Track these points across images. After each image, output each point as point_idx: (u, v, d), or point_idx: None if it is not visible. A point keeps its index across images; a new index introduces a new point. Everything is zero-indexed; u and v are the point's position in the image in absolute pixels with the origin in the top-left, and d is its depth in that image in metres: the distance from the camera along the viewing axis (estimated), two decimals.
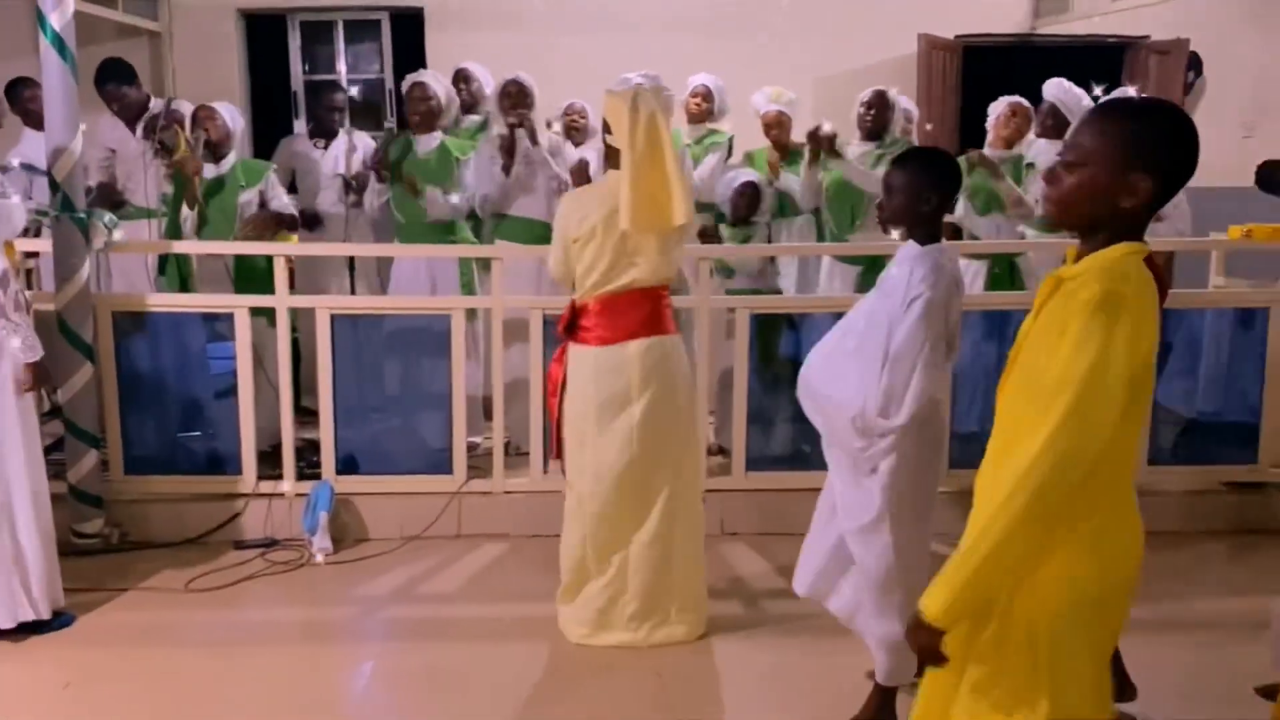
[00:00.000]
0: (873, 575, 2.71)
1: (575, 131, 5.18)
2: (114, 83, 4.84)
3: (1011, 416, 1.77)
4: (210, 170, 4.71)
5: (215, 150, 4.75)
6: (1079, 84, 4.72)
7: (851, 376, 2.67)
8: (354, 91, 7.62)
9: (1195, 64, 7.17)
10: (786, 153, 5.10)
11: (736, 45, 6.73)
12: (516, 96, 4.89)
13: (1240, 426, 4.40)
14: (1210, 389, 4.54)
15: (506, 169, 4.72)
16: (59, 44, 3.77)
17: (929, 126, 4.78)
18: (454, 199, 4.75)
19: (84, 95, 3.95)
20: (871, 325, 2.67)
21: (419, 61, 7.13)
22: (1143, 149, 1.66)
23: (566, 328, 3.24)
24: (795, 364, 4.39)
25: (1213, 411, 4.57)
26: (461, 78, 5.24)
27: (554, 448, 3.37)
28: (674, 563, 3.28)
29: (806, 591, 2.92)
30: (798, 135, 5.18)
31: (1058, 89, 4.77)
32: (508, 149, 4.71)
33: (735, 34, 6.91)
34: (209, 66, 7.12)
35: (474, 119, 5.23)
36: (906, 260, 2.67)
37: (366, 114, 7.57)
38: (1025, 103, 4.80)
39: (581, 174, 4.61)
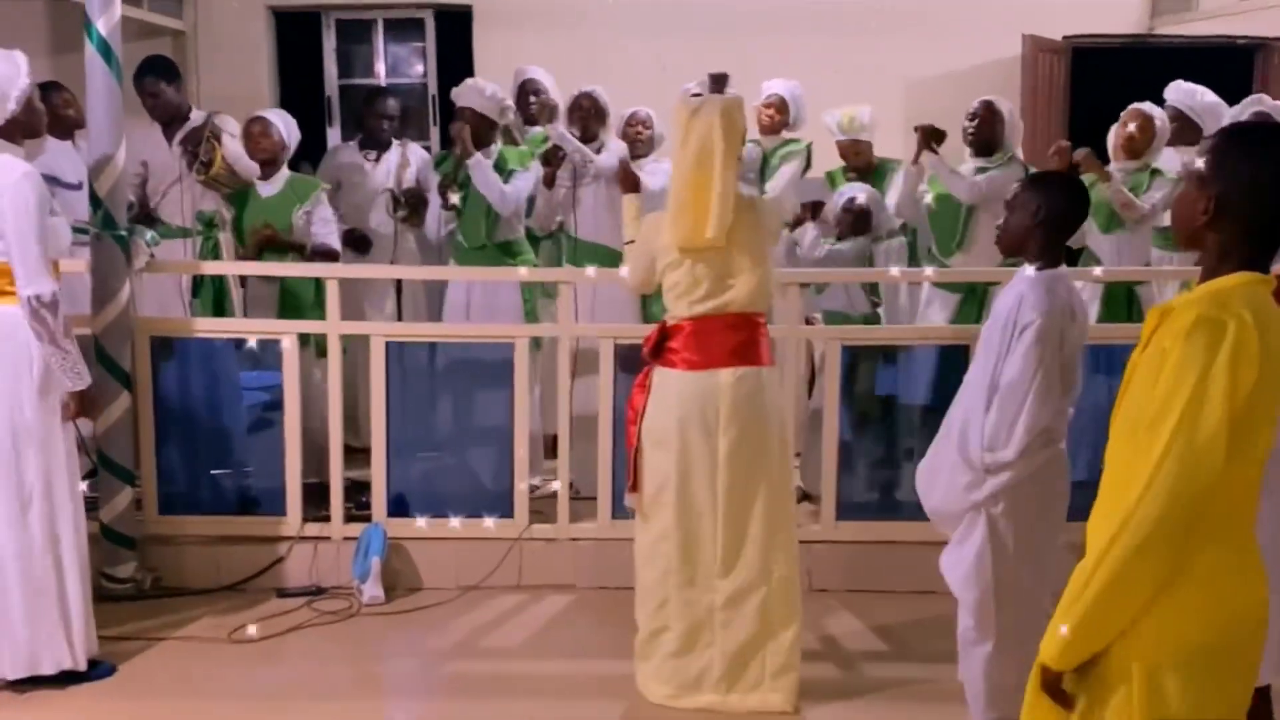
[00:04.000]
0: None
1: (639, 144, 5.13)
2: (153, 76, 4.85)
3: (1118, 457, 1.83)
4: (264, 188, 4.77)
5: (265, 167, 4.77)
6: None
7: (955, 414, 2.79)
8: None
9: None
10: (868, 177, 5.15)
11: (816, 44, 6.79)
12: (588, 111, 4.93)
13: None
14: None
15: (549, 180, 4.81)
16: (104, 49, 3.88)
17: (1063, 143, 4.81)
18: (505, 187, 4.69)
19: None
20: (981, 355, 2.81)
21: (465, 64, 7.26)
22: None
23: (654, 350, 3.33)
24: (890, 401, 4.55)
25: None
26: (531, 90, 5.29)
27: (630, 480, 3.41)
28: (769, 618, 3.30)
29: None
30: (882, 149, 5.24)
31: (1181, 93, 4.90)
32: (548, 158, 4.80)
33: (814, 31, 6.94)
34: (236, 68, 7.25)
35: (537, 131, 5.28)
36: (1018, 286, 2.78)
37: (407, 123, 7.65)
38: (1150, 110, 4.78)
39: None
